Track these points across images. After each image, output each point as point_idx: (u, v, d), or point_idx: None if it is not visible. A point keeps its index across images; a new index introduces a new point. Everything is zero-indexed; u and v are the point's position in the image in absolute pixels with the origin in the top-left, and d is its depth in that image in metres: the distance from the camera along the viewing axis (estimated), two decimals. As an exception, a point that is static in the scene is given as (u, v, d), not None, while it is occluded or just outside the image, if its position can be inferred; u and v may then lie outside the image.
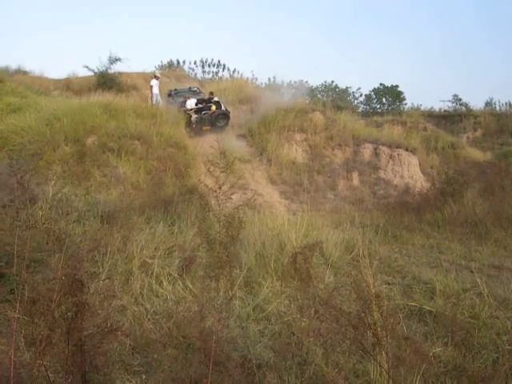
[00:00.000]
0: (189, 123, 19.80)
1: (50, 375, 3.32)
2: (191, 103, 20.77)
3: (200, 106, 20.75)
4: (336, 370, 4.62)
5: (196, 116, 20.11)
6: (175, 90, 23.00)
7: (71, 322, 3.04)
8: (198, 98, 21.52)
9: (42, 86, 24.30)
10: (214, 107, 20.52)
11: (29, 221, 5.22)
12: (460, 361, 4.89)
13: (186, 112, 20.16)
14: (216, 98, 21.07)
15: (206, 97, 21.79)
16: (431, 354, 4.62)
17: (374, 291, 3.90)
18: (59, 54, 78.96)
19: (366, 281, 4.48)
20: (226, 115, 20.71)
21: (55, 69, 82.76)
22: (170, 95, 22.57)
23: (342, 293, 6.34)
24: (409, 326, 5.81)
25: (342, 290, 6.39)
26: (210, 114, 20.32)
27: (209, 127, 20.20)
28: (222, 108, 20.81)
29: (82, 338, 3.12)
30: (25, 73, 27.11)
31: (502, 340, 5.39)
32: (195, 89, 23.34)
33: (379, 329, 3.55)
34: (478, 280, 7.14)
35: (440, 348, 5.14)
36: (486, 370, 4.42)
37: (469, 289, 6.92)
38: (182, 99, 21.35)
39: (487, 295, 6.75)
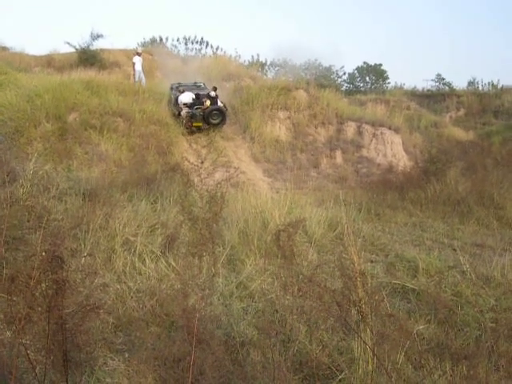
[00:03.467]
0: (178, 118, 18.71)
1: (30, 354, 3.27)
2: (185, 97, 19.00)
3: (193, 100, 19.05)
4: (320, 348, 4.63)
5: (187, 111, 18.47)
6: (178, 83, 20.64)
7: (51, 300, 2.99)
8: (197, 92, 19.51)
9: (22, 63, 23.98)
10: (208, 102, 18.64)
11: (9, 198, 5.13)
12: (443, 338, 4.92)
13: (178, 107, 18.87)
14: (213, 93, 19.08)
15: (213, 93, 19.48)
16: (414, 331, 4.63)
17: (358, 268, 3.88)
18: (40, 30, 78.08)
19: (351, 258, 4.47)
20: (221, 112, 18.90)
21: (36, 45, 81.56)
22: (171, 89, 20.49)
23: (326, 270, 6.35)
24: (392, 304, 5.83)
25: (325, 267, 6.40)
26: (202, 110, 18.56)
27: (201, 123, 18.57)
28: (218, 104, 18.99)
29: (63, 316, 3.07)
30: (5, 49, 26.70)
31: (485, 317, 5.42)
32: (200, 84, 21.01)
33: (364, 306, 3.54)
34: (461, 258, 7.18)
35: (423, 325, 5.16)
36: (468, 348, 4.45)
37: (452, 267, 6.95)
38: (178, 93, 19.55)
39: (470, 273, 6.80)
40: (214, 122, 18.69)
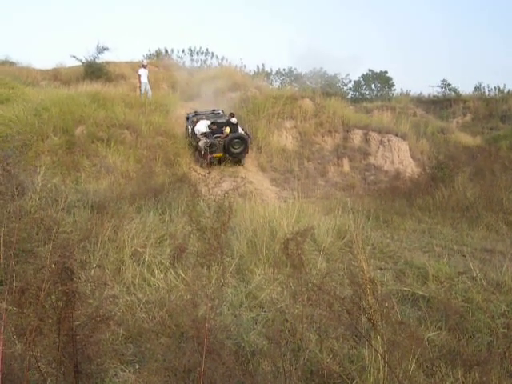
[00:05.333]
0: (197, 149, 17.11)
1: (41, 366, 3.27)
2: (202, 126, 17.48)
3: (211, 129, 17.39)
4: (330, 356, 4.61)
5: (205, 141, 16.68)
6: (195, 112, 19.00)
7: (61, 312, 2.99)
8: (214, 120, 17.93)
9: (29, 77, 24.21)
10: (227, 129, 16.98)
11: (18, 211, 5.15)
12: (454, 345, 4.88)
13: (196, 137, 17.29)
14: (234, 120, 17.46)
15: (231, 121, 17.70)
16: (426, 338, 4.62)
17: (367, 276, 3.87)
18: (46, 44, 78.58)
19: (360, 266, 4.46)
20: (242, 140, 17.13)
21: (42, 59, 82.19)
22: (187, 119, 18.72)
23: (335, 278, 6.34)
24: (402, 311, 5.80)
25: (334, 275, 6.39)
26: (222, 138, 16.87)
27: (221, 154, 16.88)
28: (240, 131, 17.39)
29: (73, 327, 3.07)
30: (12, 64, 26.99)
31: (497, 323, 5.38)
32: (219, 111, 19.34)
33: (374, 313, 3.52)
34: (471, 264, 7.13)
35: (434, 332, 5.14)
36: (480, 354, 4.41)
37: (462, 273, 6.90)
38: (194, 123, 17.95)
39: (480, 279, 6.75)
40: (235, 151, 17.06)
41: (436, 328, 5.29)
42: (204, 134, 17.16)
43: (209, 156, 16.48)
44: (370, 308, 3.54)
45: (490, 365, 3.64)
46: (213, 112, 19.14)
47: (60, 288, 2.99)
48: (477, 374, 3.76)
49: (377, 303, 3.55)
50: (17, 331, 3.13)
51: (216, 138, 16.93)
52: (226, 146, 16.81)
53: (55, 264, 3.00)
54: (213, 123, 17.54)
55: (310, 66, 38.15)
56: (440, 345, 4.92)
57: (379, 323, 3.54)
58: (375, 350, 3.86)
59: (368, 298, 3.61)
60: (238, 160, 17.52)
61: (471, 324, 5.44)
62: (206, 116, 18.48)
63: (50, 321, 3.04)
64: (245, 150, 17.33)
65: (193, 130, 17.68)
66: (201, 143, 16.73)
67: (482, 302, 6.03)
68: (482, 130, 27.29)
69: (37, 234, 5.80)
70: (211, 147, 16.54)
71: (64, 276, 2.99)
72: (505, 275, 6.95)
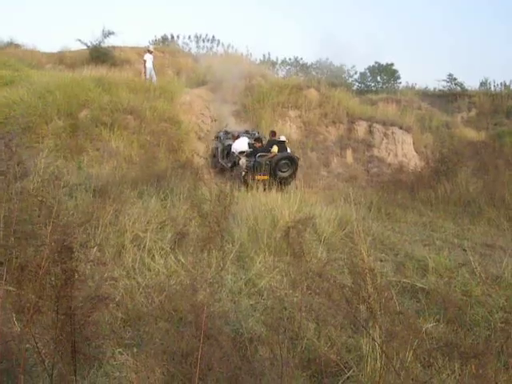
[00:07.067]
0: (235, 171, 14.59)
1: (39, 346, 3.28)
2: (241, 144, 14.95)
3: (253, 148, 14.62)
4: (328, 345, 4.63)
5: (247, 160, 14.10)
6: (225, 131, 16.65)
7: (60, 290, 3.00)
8: (258, 137, 15.20)
9: (34, 60, 24.11)
10: (275, 148, 14.07)
11: (20, 193, 5.16)
12: (452, 337, 4.90)
13: (233, 156, 14.87)
14: (283, 137, 14.79)
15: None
16: (424, 330, 4.62)
17: (367, 265, 3.87)
18: (52, 27, 78.16)
19: (360, 256, 4.46)
20: (293, 161, 14.23)
21: (48, 42, 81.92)
22: (217, 138, 16.73)
23: (335, 267, 6.34)
24: (401, 303, 5.81)
25: (334, 264, 6.39)
26: (269, 158, 13.85)
27: (266, 177, 13.45)
28: (288, 150, 14.54)
29: (72, 306, 3.08)
30: (17, 46, 26.86)
31: (495, 317, 5.40)
32: (255, 132, 16.52)
33: (373, 303, 3.53)
34: (471, 258, 7.14)
35: (432, 324, 5.15)
36: (478, 347, 4.41)
37: (461, 265, 6.91)
38: (229, 141, 15.58)
39: (480, 273, 6.76)
40: (282, 174, 13.96)
41: (434, 320, 5.30)
42: (243, 154, 14.62)
43: (249, 177, 13.37)
44: (369, 297, 3.54)
45: (487, 358, 3.63)
46: (247, 132, 16.52)
47: (59, 266, 2.99)
48: (473, 367, 3.76)
49: (376, 293, 3.55)
50: (15, 308, 3.14)
51: (261, 156, 14.03)
52: (273, 167, 13.81)
53: (55, 242, 3.00)
54: (256, 139, 14.88)
55: (323, 57, 38.02)
56: (438, 337, 4.93)
57: (378, 313, 3.54)
58: (373, 339, 3.87)
59: (367, 287, 3.61)
60: (282, 185, 13.43)
61: (469, 317, 5.45)
62: (240, 135, 15.75)
63: (49, 299, 3.04)
64: (293, 175, 14.37)
65: (227, 148, 15.54)
66: (241, 162, 14.25)
67: (481, 295, 6.05)
68: (487, 126, 27.16)
69: (38, 217, 5.81)
70: (256, 168, 13.68)
71: (63, 254, 2.99)
72: (504, 270, 6.95)
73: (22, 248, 3.15)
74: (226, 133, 16.44)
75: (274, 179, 13.21)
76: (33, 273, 2.94)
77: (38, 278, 2.92)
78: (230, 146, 15.28)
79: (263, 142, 14.75)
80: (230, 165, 15.05)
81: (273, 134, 15.07)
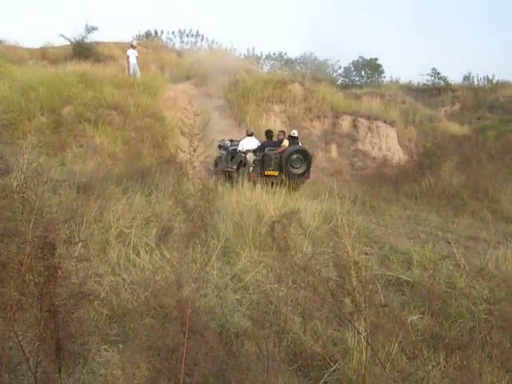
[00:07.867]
0: (237, 171, 13.42)
1: (22, 343, 3.25)
2: (248, 142, 13.89)
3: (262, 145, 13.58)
4: (314, 338, 4.64)
5: (254, 156, 13.10)
6: (230, 140, 15.55)
7: (43, 287, 2.97)
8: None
9: (16, 55, 23.90)
10: (286, 142, 13.18)
11: (3, 190, 5.11)
12: (437, 329, 4.94)
13: (238, 156, 13.87)
14: (294, 132, 13.85)
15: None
16: (408, 322, 4.66)
17: (352, 259, 3.88)
18: (34, 22, 77.36)
19: (345, 249, 4.47)
20: (306, 156, 13.13)
21: (30, 38, 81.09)
22: (221, 147, 15.56)
23: (320, 261, 6.36)
24: (386, 295, 5.85)
25: (320, 258, 6.41)
26: (279, 152, 12.93)
27: (276, 172, 12.63)
28: (300, 145, 13.64)
29: (55, 303, 3.06)
30: (-2, 42, 26.55)
31: (479, 309, 5.45)
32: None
33: (358, 296, 3.54)
34: (455, 250, 7.19)
35: (417, 316, 5.19)
36: (462, 338, 4.45)
37: (446, 256, 6.96)
38: (236, 147, 14.37)
39: (464, 265, 6.81)
40: (295, 170, 12.79)
41: (419, 312, 5.35)
42: (251, 151, 13.55)
43: (256, 173, 12.58)
44: (354, 290, 3.55)
45: (471, 349, 3.66)
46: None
47: (42, 262, 2.97)
48: (458, 358, 3.79)
49: (361, 286, 3.56)
50: (-3, 307, 3.12)
51: (270, 150, 13.15)
52: (284, 162, 12.69)
53: (37, 238, 2.98)
54: (267, 132, 14.17)
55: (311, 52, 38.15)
56: (422, 329, 4.98)
57: (363, 306, 3.55)
58: (358, 332, 3.88)
59: (352, 281, 3.62)
60: (295, 184, 12.24)
61: (454, 309, 5.49)
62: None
63: (32, 296, 3.02)
64: (307, 172, 13.22)
65: (233, 151, 14.55)
66: (248, 157, 13.21)
67: (465, 287, 6.10)
68: (470, 120, 27.38)
69: (22, 214, 5.77)
70: (264, 162, 12.82)
71: (46, 251, 2.97)
72: (488, 262, 7.01)
73: (4, 245, 3.11)
74: (232, 141, 15.40)
75: (286, 176, 12.18)
76: (15, 270, 2.92)
77: (20, 275, 2.89)
78: (236, 150, 14.32)
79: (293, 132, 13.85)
80: (235, 167, 13.86)
81: (281, 132, 14.20)
